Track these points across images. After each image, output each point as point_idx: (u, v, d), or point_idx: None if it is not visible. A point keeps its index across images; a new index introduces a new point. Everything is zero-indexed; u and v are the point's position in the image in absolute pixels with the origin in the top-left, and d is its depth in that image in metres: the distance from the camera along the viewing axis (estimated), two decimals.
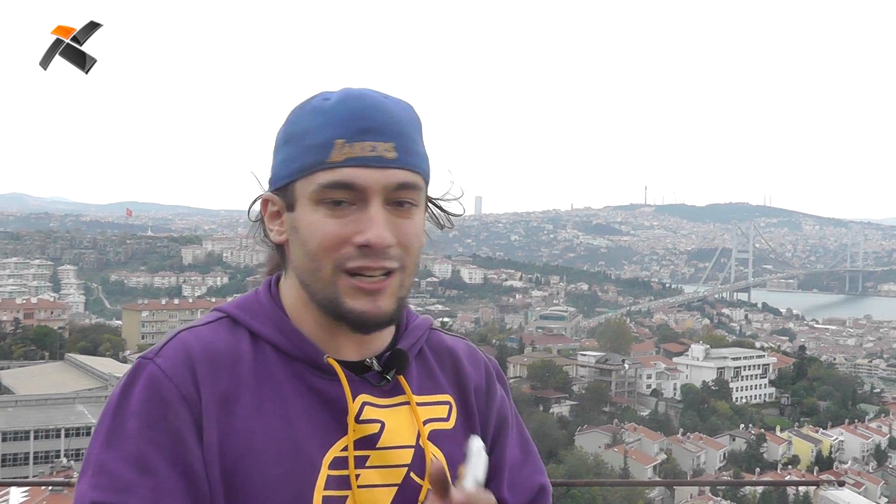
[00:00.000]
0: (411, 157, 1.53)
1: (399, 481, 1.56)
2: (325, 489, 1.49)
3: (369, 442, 1.55)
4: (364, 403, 1.56)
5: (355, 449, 1.53)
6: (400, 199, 1.51)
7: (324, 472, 1.50)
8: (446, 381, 1.72)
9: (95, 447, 1.46)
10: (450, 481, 1.42)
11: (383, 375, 1.60)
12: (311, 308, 1.57)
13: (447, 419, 1.67)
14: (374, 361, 1.60)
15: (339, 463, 1.52)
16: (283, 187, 1.55)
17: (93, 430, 1.51)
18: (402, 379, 1.62)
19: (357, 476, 1.53)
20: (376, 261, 1.49)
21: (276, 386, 1.52)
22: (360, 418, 1.55)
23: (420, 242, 1.57)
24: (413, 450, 1.59)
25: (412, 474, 1.57)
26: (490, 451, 1.66)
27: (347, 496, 1.51)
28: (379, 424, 1.56)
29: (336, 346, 1.58)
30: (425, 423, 1.62)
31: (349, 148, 1.48)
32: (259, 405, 1.49)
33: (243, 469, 1.46)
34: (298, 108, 1.57)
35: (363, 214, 1.48)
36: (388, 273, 1.51)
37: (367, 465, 1.54)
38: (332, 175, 1.48)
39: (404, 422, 1.60)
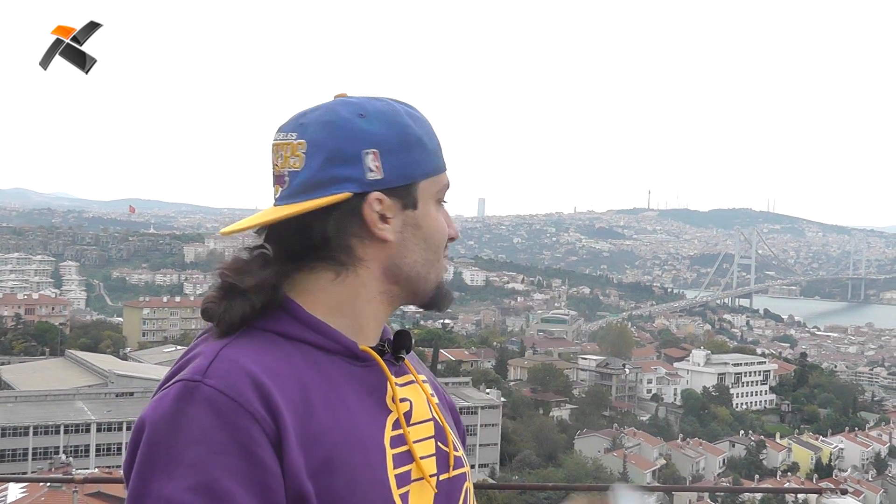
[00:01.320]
0: None
1: (433, 451, 1.67)
2: (394, 469, 1.56)
3: (406, 419, 1.64)
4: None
5: (399, 427, 1.61)
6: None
7: (389, 453, 1.57)
8: (418, 365, 1.84)
9: (152, 480, 1.40)
10: None
11: (397, 356, 1.71)
12: (376, 302, 1.66)
13: (434, 395, 1.79)
14: (387, 344, 1.70)
15: (394, 442, 1.59)
16: (399, 187, 1.63)
17: (137, 462, 1.43)
18: (406, 360, 1.74)
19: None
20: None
21: (329, 382, 1.57)
22: (396, 398, 1.65)
23: None
24: (432, 422, 1.70)
25: (439, 443, 1.69)
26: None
27: (410, 470, 1.59)
28: (408, 402, 1.67)
29: (360, 337, 1.65)
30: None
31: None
32: (323, 402, 1.53)
33: (333, 465, 1.49)
34: (395, 112, 1.65)
35: (445, 212, 1.70)
36: None
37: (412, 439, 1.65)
38: (447, 177, 1.69)
39: (420, 397, 1.71)
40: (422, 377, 1.77)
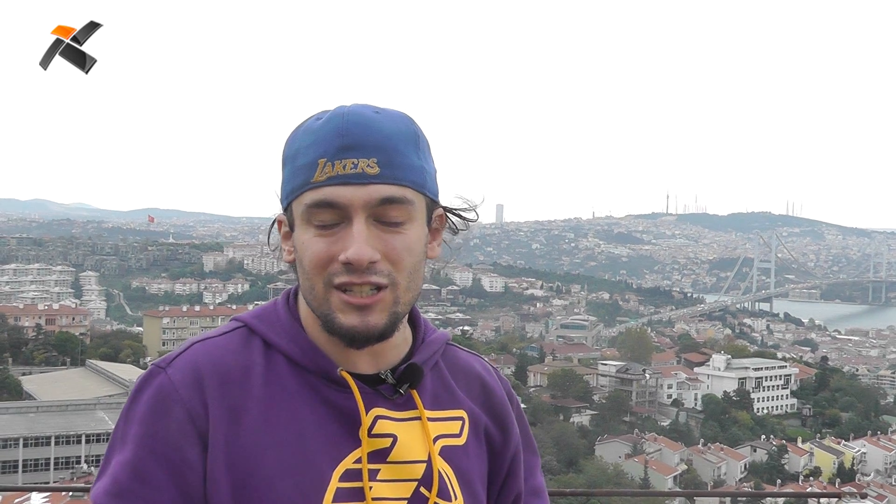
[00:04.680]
0: (397, 170, 1.52)
1: (409, 495, 1.57)
2: (334, 501, 1.50)
3: (381, 455, 1.56)
4: (377, 417, 1.58)
5: (368, 462, 1.54)
6: (387, 214, 1.51)
7: (333, 484, 1.51)
8: (462, 397, 1.72)
9: (108, 448, 1.54)
10: None
11: (396, 389, 1.61)
12: (319, 323, 1.58)
13: (459, 435, 1.68)
14: (389, 375, 1.61)
15: (351, 475, 1.53)
16: (286, 209, 1.59)
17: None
18: (414, 394, 1.63)
19: (370, 489, 1.53)
20: (361, 277, 1.49)
21: (287, 398, 1.55)
22: (373, 432, 1.56)
23: (414, 257, 1.55)
24: (424, 465, 1.60)
25: (422, 489, 1.58)
26: (507, 475, 1.77)
27: None
28: (391, 438, 1.58)
29: (350, 359, 1.59)
30: (437, 438, 1.63)
31: (331, 167, 1.50)
32: (269, 417, 1.51)
33: (253, 481, 1.48)
34: (295, 129, 1.59)
35: (348, 232, 1.49)
36: (379, 289, 1.51)
37: (378, 478, 1.55)
38: (316, 195, 1.50)
39: (416, 436, 1.61)
40: (443, 413, 1.68)
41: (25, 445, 63.53)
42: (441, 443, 1.64)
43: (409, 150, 1.55)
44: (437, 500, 1.59)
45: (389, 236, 1.51)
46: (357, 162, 1.50)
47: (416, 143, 1.58)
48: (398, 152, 1.53)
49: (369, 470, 1.54)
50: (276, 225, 1.66)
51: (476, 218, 1.74)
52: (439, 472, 1.61)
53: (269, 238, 1.68)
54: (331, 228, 1.51)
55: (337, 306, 1.52)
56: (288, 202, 1.57)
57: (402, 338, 1.66)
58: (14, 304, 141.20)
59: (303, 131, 1.57)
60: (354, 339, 1.53)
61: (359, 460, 1.54)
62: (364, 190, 1.49)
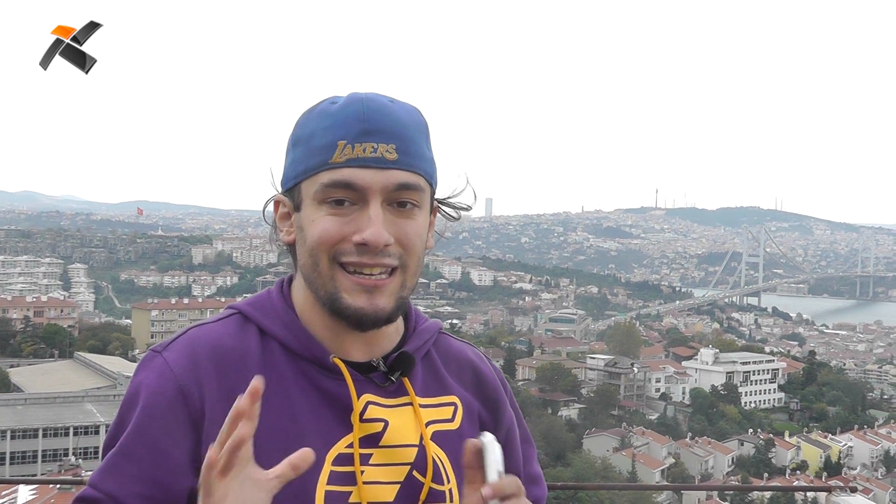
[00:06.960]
0: (413, 158, 1.57)
1: (402, 479, 1.59)
2: (328, 484, 1.52)
3: (373, 440, 1.59)
4: (368, 402, 1.60)
5: (360, 446, 1.57)
6: (401, 200, 1.55)
7: (327, 468, 1.53)
8: (453, 384, 1.74)
9: (115, 432, 1.57)
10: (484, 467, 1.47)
11: (388, 377, 1.63)
12: (318, 308, 1.61)
13: (452, 420, 1.70)
14: (381, 363, 1.64)
15: (343, 459, 1.55)
16: (291, 188, 1.61)
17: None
18: (405, 381, 1.65)
19: (362, 472, 1.56)
20: (374, 258, 1.53)
21: (281, 383, 1.56)
22: (365, 417, 1.58)
23: (422, 244, 1.60)
24: (416, 449, 1.62)
25: (415, 472, 1.61)
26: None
27: (351, 492, 1.54)
28: (382, 423, 1.60)
29: (343, 346, 1.62)
30: (429, 423, 1.65)
31: (350, 149, 1.53)
32: (265, 401, 1.44)
33: None
34: (307, 112, 1.63)
35: (363, 214, 1.53)
36: (390, 271, 1.56)
37: (370, 462, 1.57)
38: (334, 175, 1.53)
39: (408, 422, 1.63)
40: (435, 399, 1.70)
41: (13, 438, 63.37)
42: (433, 427, 1.66)
43: (422, 140, 1.61)
44: (431, 485, 1.61)
45: (402, 221, 1.56)
46: (377, 147, 1.53)
47: (427, 135, 1.64)
48: (414, 141, 1.58)
49: (362, 454, 1.56)
50: (271, 205, 1.69)
51: (472, 204, 1.77)
52: (433, 456, 1.63)
53: (263, 213, 1.70)
54: (344, 209, 1.54)
55: (344, 286, 1.55)
56: (297, 182, 1.60)
57: (394, 327, 1.69)
58: (2, 297, 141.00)
59: (318, 114, 1.60)
60: (361, 321, 1.56)
61: (351, 445, 1.56)
62: (383, 174, 1.53)
